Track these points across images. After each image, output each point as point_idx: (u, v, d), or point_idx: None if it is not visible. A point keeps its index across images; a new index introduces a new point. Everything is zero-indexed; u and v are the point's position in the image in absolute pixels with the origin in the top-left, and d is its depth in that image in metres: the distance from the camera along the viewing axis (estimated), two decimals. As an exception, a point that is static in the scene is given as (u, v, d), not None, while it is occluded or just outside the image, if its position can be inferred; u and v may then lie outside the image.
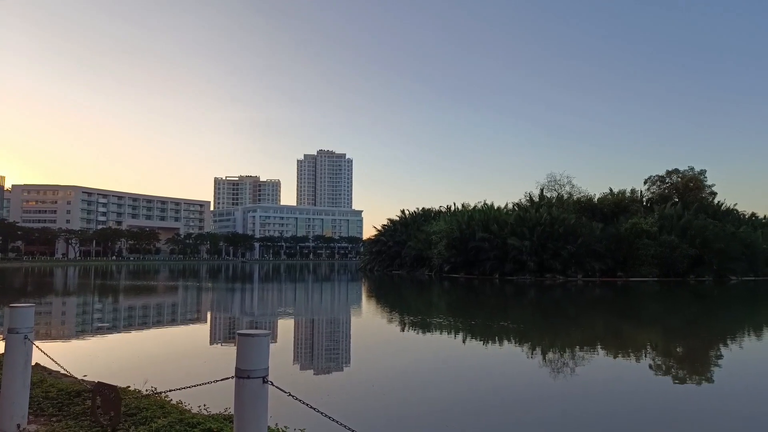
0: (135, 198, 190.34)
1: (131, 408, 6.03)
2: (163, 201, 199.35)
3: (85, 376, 8.63)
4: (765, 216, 73.56)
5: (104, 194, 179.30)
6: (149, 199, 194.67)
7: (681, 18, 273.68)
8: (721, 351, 16.01)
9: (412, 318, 24.10)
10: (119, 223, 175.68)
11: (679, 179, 69.96)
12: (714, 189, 70.83)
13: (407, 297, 38.34)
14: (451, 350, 15.36)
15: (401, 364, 13.14)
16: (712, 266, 58.41)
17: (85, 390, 6.56)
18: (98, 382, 5.57)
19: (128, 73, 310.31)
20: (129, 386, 7.62)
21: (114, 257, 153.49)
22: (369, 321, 23.11)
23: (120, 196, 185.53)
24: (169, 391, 5.53)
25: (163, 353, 14.00)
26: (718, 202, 70.37)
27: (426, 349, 15.57)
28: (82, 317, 22.87)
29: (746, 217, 71.68)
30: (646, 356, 15.30)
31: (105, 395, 5.28)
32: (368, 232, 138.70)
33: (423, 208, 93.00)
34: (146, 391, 7.13)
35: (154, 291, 39.39)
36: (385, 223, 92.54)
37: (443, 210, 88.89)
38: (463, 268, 64.82)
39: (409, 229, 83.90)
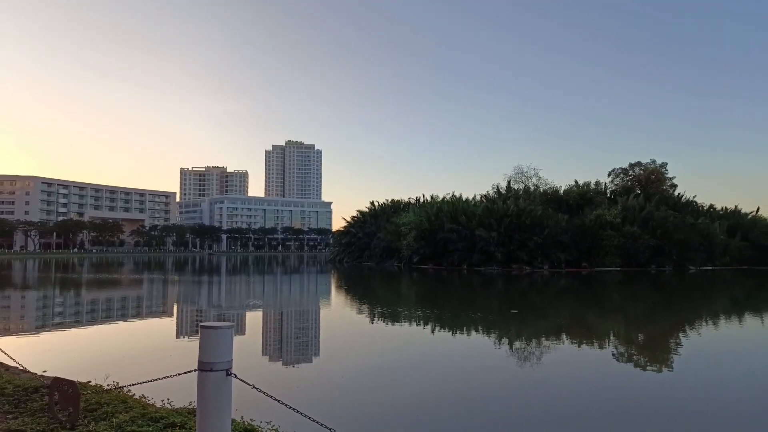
0: (98, 189, 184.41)
1: (91, 403, 5.87)
2: (127, 192, 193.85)
3: (44, 371, 8.36)
4: (723, 208, 76.60)
5: (65, 184, 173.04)
6: (113, 190, 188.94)
7: (642, 13, 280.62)
8: (682, 337, 16.65)
9: (381, 309, 24.20)
10: (81, 214, 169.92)
11: (642, 172, 72.10)
12: (674, 181, 73.41)
13: (376, 288, 38.45)
14: (419, 341, 15.50)
15: (370, 355, 13.19)
16: (672, 256, 60.59)
17: (43, 386, 6.35)
18: (56, 377, 5.39)
19: (91, 59, 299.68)
20: (89, 381, 7.41)
21: (76, 249, 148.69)
22: (338, 313, 23.10)
23: (82, 186, 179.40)
24: (131, 385, 5.41)
25: (126, 347, 13.67)
26: (679, 194, 72.91)
27: (395, 340, 15.67)
28: (41, 311, 22.10)
29: (704, 208, 74.45)
30: (609, 344, 15.78)
31: (63, 391, 5.12)
32: (338, 223, 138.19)
33: (392, 200, 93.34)
34: (108, 386, 6.96)
35: (117, 284, 38.36)
36: (355, 214, 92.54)
37: (413, 202, 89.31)
38: (431, 259, 65.38)
39: (379, 220, 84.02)
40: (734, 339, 16.33)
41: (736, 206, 76.04)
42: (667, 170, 72.54)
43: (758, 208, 76.75)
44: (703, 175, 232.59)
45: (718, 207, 76.50)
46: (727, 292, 35.92)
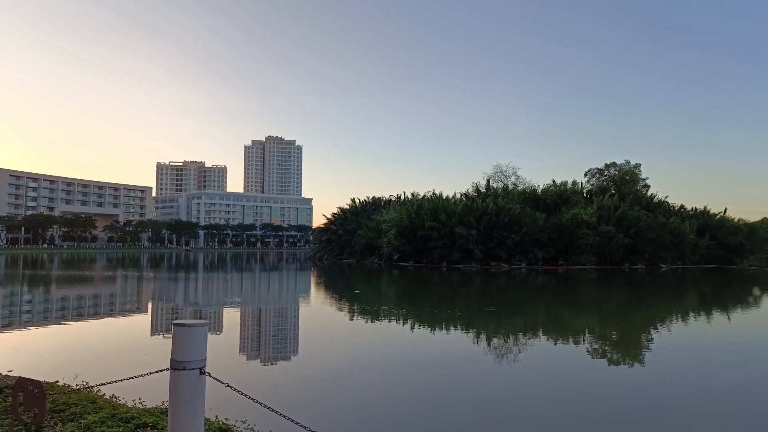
0: (69, 182, 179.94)
1: (59, 404, 5.67)
2: (101, 186, 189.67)
3: (10, 371, 8.09)
4: (693, 208, 78.51)
5: (34, 178, 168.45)
6: (85, 184, 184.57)
7: (619, 17, 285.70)
8: (663, 331, 17.01)
9: (360, 307, 24.15)
10: (51, 209, 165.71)
11: (617, 172, 73.41)
12: (648, 182, 74.84)
13: (356, 286, 38.37)
14: (398, 339, 15.49)
15: (349, 354, 13.13)
16: (644, 255, 61.92)
17: (7, 386, 6.12)
18: (20, 377, 5.19)
19: (63, 47, 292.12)
20: (57, 381, 7.18)
21: (45, 245, 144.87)
22: (316, 310, 22.97)
23: (52, 180, 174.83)
24: (101, 385, 5.24)
25: (97, 346, 13.32)
26: (651, 194, 74.44)
27: (374, 338, 15.63)
28: (8, 309, 21.40)
29: (676, 209, 76.25)
30: (584, 340, 16.02)
31: (28, 391, 4.93)
32: (318, 220, 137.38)
33: (373, 197, 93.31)
34: (76, 385, 6.75)
35: (89, 281, 37.49)
36: (336, 211, 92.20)
37: (393, 199, 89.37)
38: (412, 257, 65.57)
39: (360, 217, 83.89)
40: (707, 332, 16.79)
41: (705, 207, 78.19)
42: (640, 171, 74.02)
43: (726, 209, 79.02)
44: (674, 176, 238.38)
45: (689, 207, 78.50)
46: (700, 288, 36.89)
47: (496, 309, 24.26)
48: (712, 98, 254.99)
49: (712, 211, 77.28)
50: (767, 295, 33.34)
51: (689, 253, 66.33)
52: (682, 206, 77.98)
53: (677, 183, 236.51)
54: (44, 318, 18.41)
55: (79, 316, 19.42)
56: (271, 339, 15.14)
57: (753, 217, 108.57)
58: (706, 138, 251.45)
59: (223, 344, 13.62)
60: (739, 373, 11.32)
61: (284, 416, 3.76)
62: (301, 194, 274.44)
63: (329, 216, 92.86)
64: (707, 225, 71.76)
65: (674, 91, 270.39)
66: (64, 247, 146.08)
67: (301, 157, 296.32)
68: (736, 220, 77.06)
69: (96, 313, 20.43)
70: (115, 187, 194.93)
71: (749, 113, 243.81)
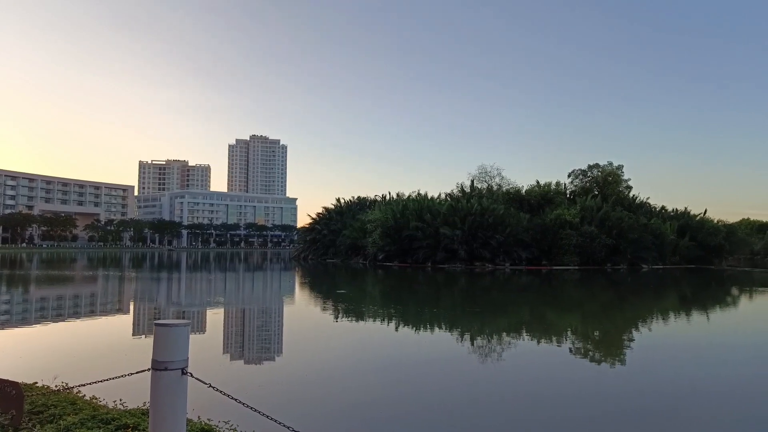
0: (49, 181, 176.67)
1: (37, 405, 5.58)
2: (81, 184, 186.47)
3: (-15, 372, 7.91)
4: (674, 209, 79.86)
5: (12, 176, 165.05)
6: (65, 183, 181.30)
7: (601, 18, 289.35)
8: (648, 327, 17.29)
9: (344, 307, 24.12)
10: (30, 207, 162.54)
11: (600, 173, 74.34)
12: (630, 183, 75.88)
13: (341, 286, 38.31)
14: (383, 339, 15.51)
15: (333, 354, 13.11)
16: (626, 255, 62.81)
17: (-16, 388, 5.99)
18: (-3, 378, 5.09)
19: (43, 42, 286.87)
20: (36, 383, 7.07)
21: (24, 244, 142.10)
22: (301, 311, 22.89)
23: (31, 178, 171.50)
24: (81, 386, 5.16)
25: (78, 347, 13.12)
26: (633, 195, 75.54)
27: (358, 338, 15.63)
28: (-15, 309, 20.97)
29: (657, 210, 77.44)
30: (566, 339, 16.21)
31: (5, 392, 4.84)
32: (303, 220, 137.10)
33: (358, 197, 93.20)
34: (56, 387, 6.65)
35: (69, 281, 36.87)
36: (320, 211, 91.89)
37: (378, 199, 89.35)
38: (397, 257, 65.66)
39: (345, 217, 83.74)
40: (688, 331, 17.12)
41: (685, 208, 79.59)
42: (623, 172, 75.07)
43: (705, 210, 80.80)
44: (656, 177, 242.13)
45: (670, 208, 79.84)
46: (682, 288, 37.57)
47: (480, 309, 24.42)
48: (694, 100, 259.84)
49: (692, 212, 78.77)
50: (745, 295, 34.11)
51: (670, 254, 67.44)
52: (663, 207, 79.30)
53: (659, 184, 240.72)
54: (23, 319, 18.08)
55: (59, 316, 19.10)
56: (254, 339, 15.06)
57: (732, 218, 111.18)
58: (688, 140, 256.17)
59: (207, 345, 13.51)
60: (716, 372, 11.56)
61: (267, 416, 3.75)
62: (285, 194, 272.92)
63: (314, 216, 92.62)
64: (687, 226, 73.05)
65: (657, 94, 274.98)
66: (44, 246, 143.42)
67: (286, 156, 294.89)
68: (715, 221, 78.70)
69: (76, 314, 20.11)
70: (96, 186, 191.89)
71: (730, 115, 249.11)
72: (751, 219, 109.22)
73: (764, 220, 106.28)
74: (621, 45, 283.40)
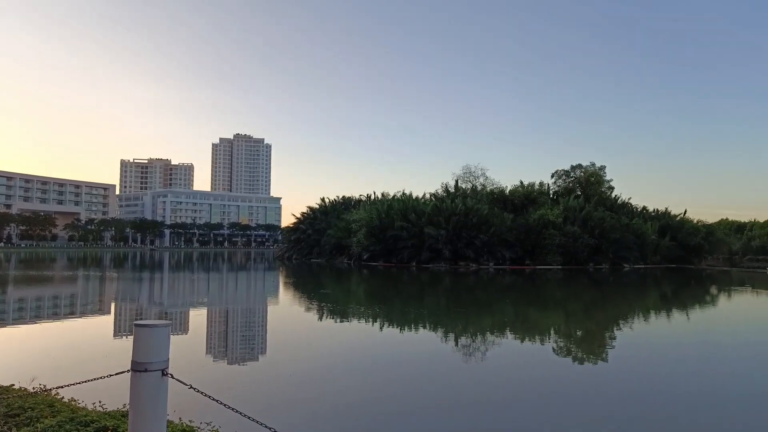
0: (27, 179, 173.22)
1: (14, 408, 5.48)
2: (61, 183, 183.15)
3: (-40, 375, 7.75)
4: (655, 209, 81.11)
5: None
6: (44, 181, 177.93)
7: (583, 20, 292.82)
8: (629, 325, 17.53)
9: (329, 306, 24.06)
10: (8, 206, 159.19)
11: (582, 174, 75.24)
12: (612, 184, 76.96)
13: (325, 285, 38.21)
14: (366, 339, 15.51)
15: (316, 354, 13.07)
16: (608, 255, 63.67)
17: (-42, 391, 5.87)
18: (-28, 381, 4.98)
19: (23, 36, 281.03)
20: (12, 385, 6.93)
21: (2, 244, 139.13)
22: (285, 311, 22.78)
23: (9, 177, 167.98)
24: (60, 387, 5.07)
25: (56, 348, 12.89)
26: (615, 195, 76.58)
27: (342, 338, 15.61)
28: (-40, 310, 20.48)
29: (638, 210, 78.61)
30: (549, 338, 16.38)
31: (-20, 396, 4.74)
32: (287, 219, 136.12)
33: (343, 197, 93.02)
34: (33, 389, 6.53)
35: (48, 281, 36.20)
36: (305, 210, 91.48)
37: (363, 198, 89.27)
38: (381, 257, 65.70)
39: (329, 217, 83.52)
40: (669, 328, 17.41)
41: (666, 208, 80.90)
42: (605, 173, 76.08)
43: (685, 211, 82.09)
44: (638, 178, 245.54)
45: (651, 209, 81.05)
46: (663, 287, 38.21)
47: (464, 309, 24.55)
48: (676, 103, 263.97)
49: (672, 213, 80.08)
50: (723, 294, 34.84)
51: (651, 254, 68.51)
52: (644, 207, 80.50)
53: (640, 185, 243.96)
54: (0, 320, 17.70)
55: (38, 317, 18.73)
56: (238, 340, 14.95)
57: (711, 218, 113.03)
58: (669, 142, 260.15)
59: (189, 345, 13.37)
60: (692, 369, 11.78)
61: (249, 417, 3.73)
62: (269, 193, 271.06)
63: (298, 215, 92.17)
64: (668, 226, 74.27)
65: (639, 96, 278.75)
66: (22, 246, 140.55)
67: (270, 155, 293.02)
68: (695, 221, 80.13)
69: (55, 315, 19.75)
70: (77, 185, 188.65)
71: (711, 119, 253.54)
72: (730, 219, 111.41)
73: (742, 221, 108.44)
74: (604, 47, 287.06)
